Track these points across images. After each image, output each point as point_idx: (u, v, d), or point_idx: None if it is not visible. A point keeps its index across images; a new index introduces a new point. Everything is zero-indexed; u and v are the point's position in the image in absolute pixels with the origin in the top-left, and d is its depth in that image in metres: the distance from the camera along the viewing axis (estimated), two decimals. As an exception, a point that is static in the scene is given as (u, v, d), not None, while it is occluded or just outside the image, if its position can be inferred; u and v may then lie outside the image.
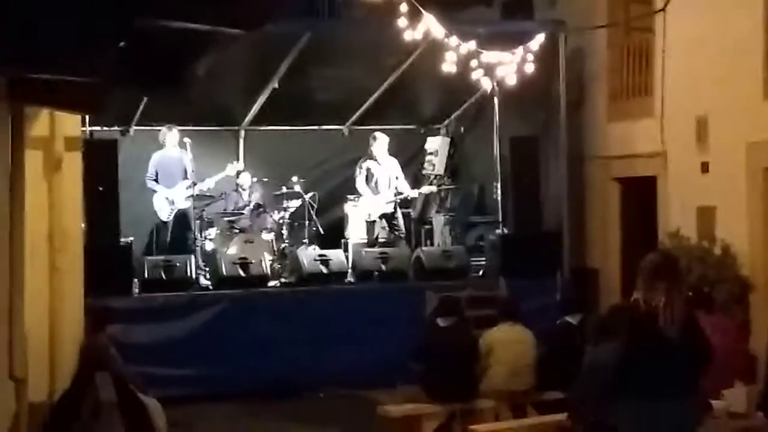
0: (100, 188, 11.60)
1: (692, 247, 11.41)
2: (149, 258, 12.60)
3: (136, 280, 12.25)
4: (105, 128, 13.56)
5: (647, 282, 6.08)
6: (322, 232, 13.85)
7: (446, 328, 9.70)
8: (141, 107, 13.43)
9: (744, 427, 8.29)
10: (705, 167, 11.87)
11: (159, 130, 13.69)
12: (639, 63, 13.24)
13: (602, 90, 13.91)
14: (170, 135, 13.49)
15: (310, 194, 13.76)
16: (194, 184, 13.16)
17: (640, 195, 13.18)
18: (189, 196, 13.23)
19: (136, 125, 14.14)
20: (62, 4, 4.48)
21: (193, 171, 13.17)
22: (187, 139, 13.32)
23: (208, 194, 13.62)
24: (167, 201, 13.32)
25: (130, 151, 13.64)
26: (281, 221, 13.67)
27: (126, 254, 12.23)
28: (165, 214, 13.35)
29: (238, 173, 13.75)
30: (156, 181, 13.41)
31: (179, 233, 13.39)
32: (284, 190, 13.78)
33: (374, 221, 13.70)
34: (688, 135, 12.07)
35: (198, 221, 13.46)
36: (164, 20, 4.76)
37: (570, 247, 13.51)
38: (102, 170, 11.69)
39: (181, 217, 13.39)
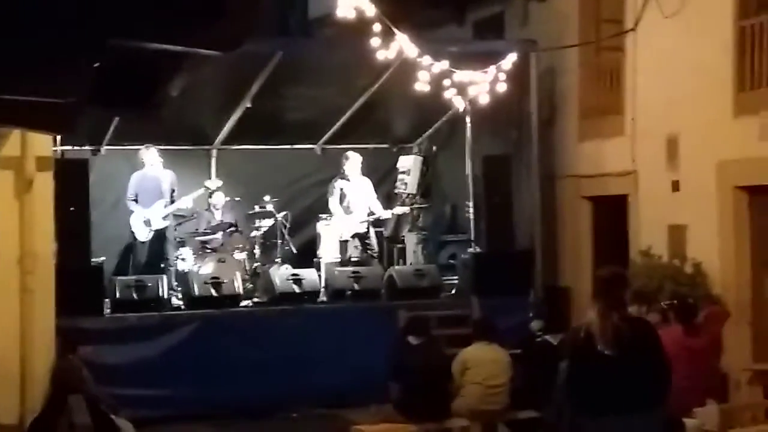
0: (72, 208, 11.52)
1: (663, 266, 11.47)
2: (120, 278, 12.52)
3: (107, 300, 12.17)
4: (76, 148, 13.49)
5: (591, 301, 6.25)
6: (294, 252, 13.82)
7: (417, 346, 9.73)
8: (113, 126, 13.38)
9: (716, 446, 8.32)
10: (676, 186, 11.95)
11: (131, 150, 13.64)
12: (610, 82, 13.33)
13: (573, 109, 13.98)
14: (148, 154, 13.41)
15: (283, 213, 13.73)
16: (172, 202, 13.08)
17: (612, 214, 13.24)
18: (166, 216, 13.17)
19: (107, 145, 14.08)
20: (36, 24, 4.46)
21: (173, 190, 13.12)
22: (160, 159, 13.29)
23: (180, 214, 13.56)
24: (144, 221, 13.23)
25: (101, 170, 13.60)
26: (254, 240, 13.64)
27: (97, 275, 12.15)
28: (143, 234, 13.25)
29: (211, 193, 13.65)
30: (135, 201, 13.33)
31: (154, 253, 13.31)
32: (257, 209, 13.73)
33: (347, 240, 13.67)
34: (658, 154, 12.14)
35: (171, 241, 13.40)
36: (139, 41, 4.75)
37: (542, 265, 13.54)
38: (73, 190, 11.61)
39: (158, 237, 13.32)
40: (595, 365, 6.11)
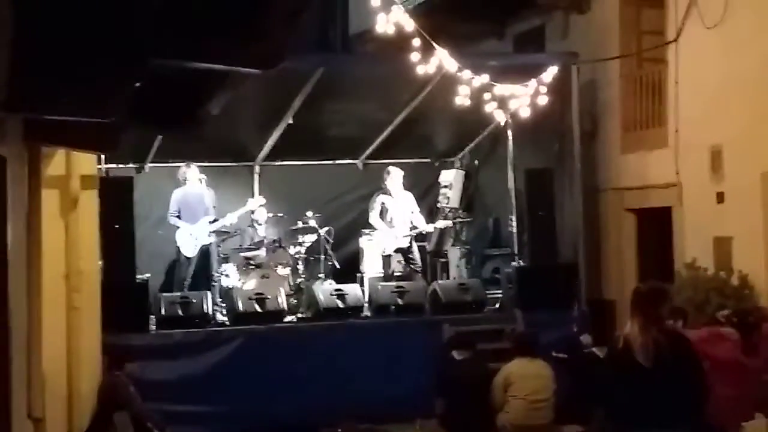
0: (116, 226, 11.62)
1: (709, 278, 11.37)
2: (166, 295, 12.59)
3: (153, 317, 12.23)
4: (120, 165, 13.61)
5: (630, 314, 6.27)
6: (337, 267, 13.86)
7: (462, 361, 9.70)
8: (156, 144, 13.48)
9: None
10: (720, 197, 11.85)
11: (175, 167, 13.74)
12: (652, 94, 13.24)
13: (616, 121, 13.91)
14: (190, 172, 13.52)
15: (326, 229, 13.78)
16: (216, 219, 13.19)
17: (656, 226, 13.15)
18: (212, 232, 13.27)
19: (151, 162, 14.19)
20: (78, 45, 4.52)
21: (214, 207, 13.21)
22: (202, 176, 13.38)
23: (224, 230, 13.64)
24: (192, 237, 13.32)
25: (145, 188, 13.68)
26: (297, 256, 13.68)
27: (143, 291, 12.23)
28: (190, 250, 13.34)
29: (254, 209, 13.76)
30: (179, 217, 13.44)
31: (200, 269, 13.40)
32: (299, 225, 13.79)
33: (390, 255, 13.69)
34: (702, 165, 12.05)
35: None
36: (180, 60, 4.80)
37: (586, 278, 13.44)
38: (118, 208, 11.69)
39: (204, 252, 13.41)
40: (634, 377, 6.11)
